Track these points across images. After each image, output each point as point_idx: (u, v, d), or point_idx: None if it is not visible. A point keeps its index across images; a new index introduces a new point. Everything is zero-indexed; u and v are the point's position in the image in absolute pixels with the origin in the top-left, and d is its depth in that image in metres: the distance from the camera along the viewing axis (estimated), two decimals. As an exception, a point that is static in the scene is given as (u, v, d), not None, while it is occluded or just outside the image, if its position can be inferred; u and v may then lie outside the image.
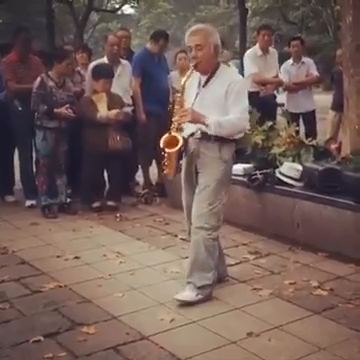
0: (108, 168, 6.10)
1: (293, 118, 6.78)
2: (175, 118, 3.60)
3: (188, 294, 3.65)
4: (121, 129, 5.94)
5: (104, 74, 5.97)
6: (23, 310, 3.62)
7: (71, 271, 4.30)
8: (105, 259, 4.55)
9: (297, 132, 5.86)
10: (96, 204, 5.98)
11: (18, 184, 6.57)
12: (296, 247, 4.66)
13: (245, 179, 5.23)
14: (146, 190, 6.51)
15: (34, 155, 6.15)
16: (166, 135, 3.63)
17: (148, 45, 6.64)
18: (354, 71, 5.36)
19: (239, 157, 5.06)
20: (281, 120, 6.55)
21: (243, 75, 7.13)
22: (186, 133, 3.66)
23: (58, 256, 4.62)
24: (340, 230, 4.40)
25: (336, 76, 7.55)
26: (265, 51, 7.11)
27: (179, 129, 3.61)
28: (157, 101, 6.23)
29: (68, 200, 6.02)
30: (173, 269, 4.24)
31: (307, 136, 6.14)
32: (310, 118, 7.43)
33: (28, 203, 6.21)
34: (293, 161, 5.28)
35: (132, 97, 6.40)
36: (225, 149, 3.63)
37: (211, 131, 3.53)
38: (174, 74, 6.60)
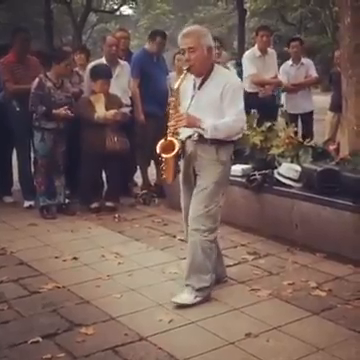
0: (106, 169, 6.09)
1: (292, 119, 6.79)
2: (171, 123, 3.59)
3: (186, 297, 3.65)
4: (119, 130, 5.94)
5: (102, 75, 5.97)
6: (21, 311, 3.61)
7: (69, 272, 4.30)
8: (103, 260, 4.55)
9: (296, 133, 5.87)
10: (94, 205, 5.98)
11: (16, 185, 6.57)
12: (295, 248, 4.66)
13: (244, 180, 5.23)
14: (145, 191, 6.51)
15: (32, 156, 6.15)
16: (162, 141, 3.62)
17: (146, 45, 6.65)
18: (352, 72, 5.37)
19: (238, 158, 5.06)
20: (282, 121, 6.55)
21: (242, 75, 7.16)
22: (183, 136, 3.66)
23: (56, 257, 4.61)
24: (339, 231, 4.40)
25: (334, 77, 7.57)
26: (264, 52, 7.12)
27: (175, 133, 3.60)
28: (155, 102, 6.23)
29: (66, 201, 6.02)
30: (171, 270, 4.24)
31: (304, 137, 6.14)
32: (307, 119, 7.44)
33: (26, 204, 6.21)
34: (292, 162, 5.28)
35: (131, 98, 6.41)
36: (222, 151, 3.61)
37: (207, 135, 3.52)
38: (173, 75, 6.60)
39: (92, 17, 35.22)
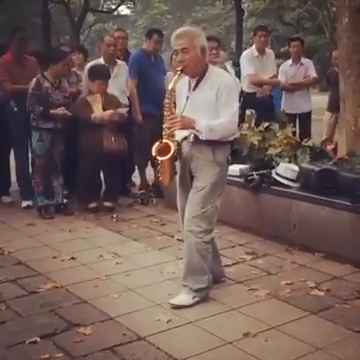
0: (104, 169, 6.09)
1: (290, 119, 6.79)
2: (165, 125, 3.58)
3: (184, 298, 3.64)
4: (117, 130, 5.93)
5: (99, 75, 5.97)
6: (19, 311, 3.61)
7: (67, 272, 4.29)
8: (101, 260, 4.55)
9: (294, 133, 5.87)
10: (92, 205, 5.97)
11: (14, 185, 6.56)
12: (293, 248, 4.66)
13: (242, 180, 5.23)
14: (143, 191, 6.51)
15: (30, 156, 6.14)
16: (157, 143, 3.60)
17: (144, 45, 6.65)
18: (350, 72, 5.38)
19: (235, 158, 5.07)
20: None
21: (240, 75, 7.17)
22: (179, 137, 3.64)
23: (54, 257, 4.61)
24: (337, 231, 4.41)
25: (332, 77, 7.58)
26: (262, 52, 7.12)
27: (171, 135, 3.58)
28: (153, 102, 6.22)
29: (64, 201, 6.01)
30: (169, 270, 4.24)
31: (301, 137, 6.15)
32: (305, 119, 7.44)
33: (24, 204, 6.21)
34: (289, 162, 5.28)
35: (129, 98, 6.41)
36: (219, 152, 3.60)
37: (202, 136, 3.51)
38: (170, 75, 6.59)
39: (90, 17, 35.24)
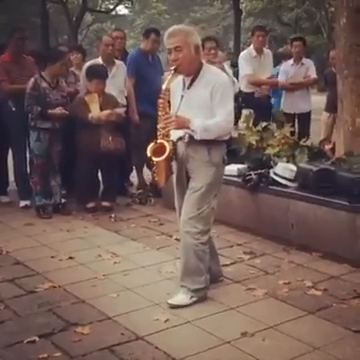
0: (102, 168, 6.09)
1: (289, 119, 6.79)
2: (160, 125, 3.56)
3: (182, 298, 3.64)
4: (114, 129, 5.93)
5: (97, 75, 5.97)
6: (18, 310, 3.61)
7: (66, 271, 4.30)
8: (100, 259, 4.55)
9: (292, 133, 5.88)
10: (91, 204, 5.97)
11: (12, 185, 6.55)
12: (290, 247, 4.67)
13: (239, 179, 5.24)
14: (141, 190, 6.51)
15: (28, 155, 6.14)
16: (152, 144, 3.58)
17: (141, 45, 6.66)
18: (348, 72, 5.38)
19: (233, 157, 5.08)
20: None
21: (237, 75, 7.18)
22: (174, 137, 3.62)
23: (52, 256, 4.61)
24: (334, 230, 4.42)
25: (329, 77, 7.57)
26: (260, 52, 7.13)
27: (166, 136, 3.56)
28: (150, 102, 6.18)
29: (63, 200, 6.01)
30: (168, 269, 4.25)
31: (300, 137, 6.15)
32: (304, 119, 7.44)
33: (22, 204, 6.20)
34: (287, 162, 5.29)
35: (126, 97, 6.41)
36: (215, 152, 3.57)
37: (197, 136, 3.49)
38: (167, 74, 6.60)
39: (88, 17, 35.25)
